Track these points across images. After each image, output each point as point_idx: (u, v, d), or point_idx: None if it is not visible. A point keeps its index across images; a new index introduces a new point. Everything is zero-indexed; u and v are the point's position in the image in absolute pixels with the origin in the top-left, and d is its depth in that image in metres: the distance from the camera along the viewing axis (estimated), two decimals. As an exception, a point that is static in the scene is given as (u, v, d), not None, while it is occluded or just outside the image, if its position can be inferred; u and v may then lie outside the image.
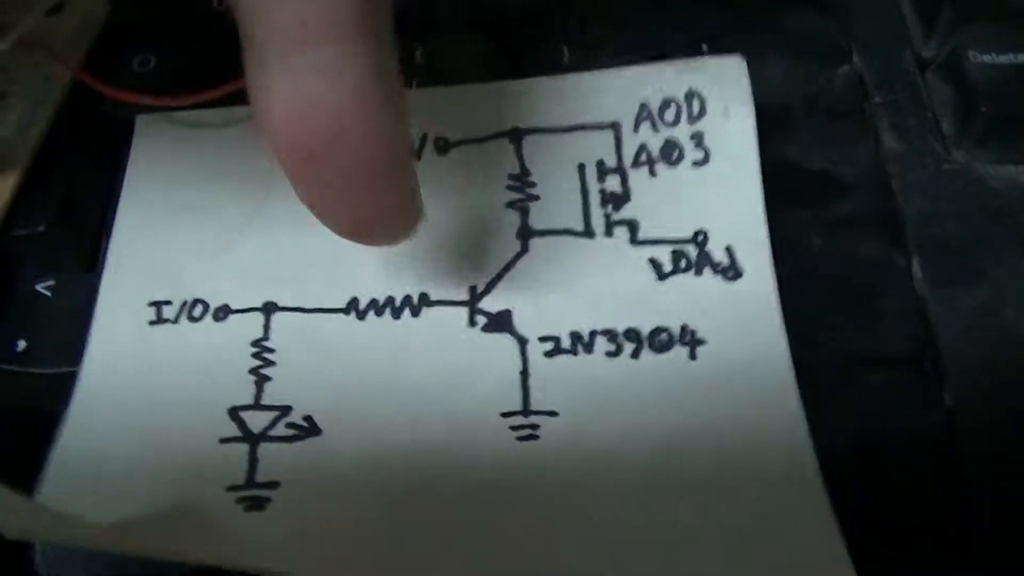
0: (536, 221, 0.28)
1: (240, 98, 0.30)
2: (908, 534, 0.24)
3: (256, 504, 0.24)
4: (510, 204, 0.29)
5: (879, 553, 0.23)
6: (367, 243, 0.24)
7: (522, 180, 0.29)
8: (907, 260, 0.28)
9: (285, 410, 0.26)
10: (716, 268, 0.27)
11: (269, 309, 0.27)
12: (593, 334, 0.27)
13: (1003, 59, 0.30)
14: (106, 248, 0.29)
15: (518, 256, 0.28)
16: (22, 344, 0.27)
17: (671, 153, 0.29)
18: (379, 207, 0.23)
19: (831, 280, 0.28)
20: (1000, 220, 0.28)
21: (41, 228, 0.29)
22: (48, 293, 0.28)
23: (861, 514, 0.24)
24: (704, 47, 0.31)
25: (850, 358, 0.26)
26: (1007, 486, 0.25)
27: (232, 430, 0.26)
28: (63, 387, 0.27)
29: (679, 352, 0.26)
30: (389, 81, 0.21)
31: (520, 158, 0.29)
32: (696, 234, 0.28)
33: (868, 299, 0.27)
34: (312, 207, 0.23)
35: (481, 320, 0.27)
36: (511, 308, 0.27)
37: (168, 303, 0.28)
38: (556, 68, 0.31)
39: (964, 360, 0.26)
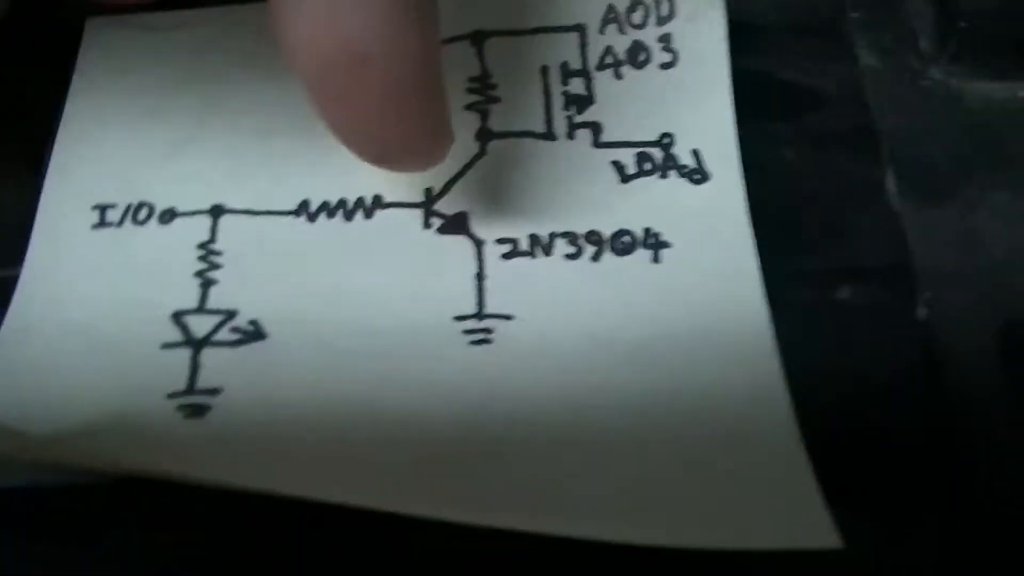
0: (496, 123, 0.27)
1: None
2: (881, 454, 0.24)
3: (196, 411, 0.24)
4: (469, 107, 0.28)
5: (849, 475, 0.23)
6: (394, 169, 0.24)
7: (482, 83, 0.28)
8: (881, 175, 0.27)
9: (230, 314, 0.25)
10: (682, 171, 0.26)
11: (217, 212, 0.27)
12: (552, 236, 0.26)
13: (982, -26, 0.30)
14: (50, 152, 0.28)
15: (476, 158, 0.27)
16: (-39, 250, 0.27)
17: (637, 55, 0.28)
18: (409, 130, 0.22)
19: (803, 193, 0.27)
20: (975, 136, 0.28)
21: (-15, 132, 0.28)
22: (-10, 200, 0.28)
23: (830, 433, 0.23)
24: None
25: (821, 270, 0.26)
26: (982, 399, 0.24)
27: (175, 335, 0.25)
28: (3, 291, 0.26)
29: (642, 255, 0.25)
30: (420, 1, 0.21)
31: (481, 60, 0.28)
32: (662, 136, 0.27)
33: (841, 212, 0.27)
34: (336, 130, 0.22)
35: (436, 222, 0.26)
36: (468, 210, 0.26)
37: (112, 206, 0.27)
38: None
39: (937, 274, 0.26)
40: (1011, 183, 0.27)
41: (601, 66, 0.28)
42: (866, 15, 0.31)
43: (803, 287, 0.26)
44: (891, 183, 0.27)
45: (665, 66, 0.28)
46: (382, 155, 0.23)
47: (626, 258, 0.25)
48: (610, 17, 0.28)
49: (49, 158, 0.28)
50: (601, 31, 0.28)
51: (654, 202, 0.26)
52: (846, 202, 0.27)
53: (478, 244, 0.26)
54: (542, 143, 0.27)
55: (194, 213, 0.27)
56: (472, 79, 0.28)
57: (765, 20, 0.30)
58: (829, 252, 0.26)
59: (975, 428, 0.24)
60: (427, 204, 0.26)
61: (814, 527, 0.20)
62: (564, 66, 0.28)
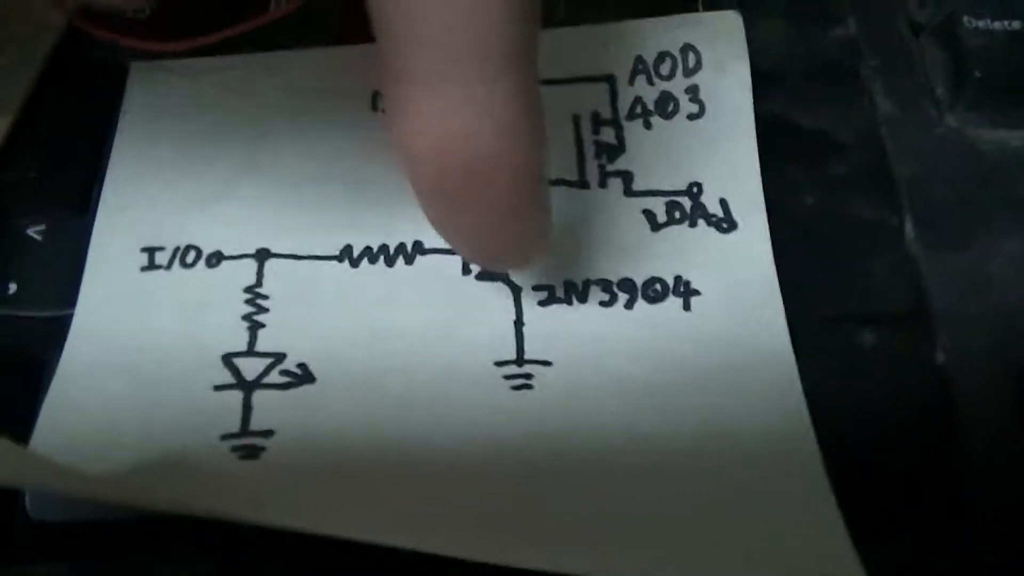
0: None
1: (231, 45, 0.30)
2: (900, 493, 0.24)
3: (251, 452, 0.24)
4: None
5: (871, 512, 0.23)
6: (493, 269, 0.25)
7: None
8: (899, 221, 0.28)
9: (279, 357, 0.26)
10: (710, 220, 0.27)
11: (262, 255, 0.27)
12: (587, 284, 0.27)
13: (996, 25, 0.31)
14: (98, 194, 0.29)
15: None
16: (13, 287, 0.27)
17: (666, 106, 0.29)
18: (514, 240, 0.23)
19: (823, 238, 0.28)
20: (990, 183, 0.29)
21: (32, 174, 0.29)
22: (39, 237, 0.28)
23: (852, 472, 0.24)
24: (699, 5, 0.32)
25: (842, 316, 0.27)
26: (999, 442, 0.25)
27: (226, 377, 0.26)
28: (53, 330, 0.27)
29: (673, 302, 0.26)
30: (537, 116, 0.21)
31: None
32: (691, 186, 0.28)
33: (860, 258, 0.27)
34: (444, 234, 0.23)
35: (475, 268, 0.27)
36: None
37: (161, 249, 0.28)
38: (552, 20, 0.31)
39: (954, 319, 0.27)
40: None
41: (631, 116, 0.29)
42: (883, 63, 0.31)
43: (824, 332, 0.26)
44: (909, 229, 0.28)
45: (692, 117, 0.29)
46: (486, 259, 0.24)
47: (658, 306, 0.26)
48: (639, 68, 0.29)
49: (97, 201, 0.29)
50: (631, 82, 0.29)
51: (684, 250, 0.27)
52: (865, 248, 0.28)
53: (516, 291, 0.27)
54: (576, 191, 0.28)
55: (240, 257, 0.27)
56: None
57: (785, 68, 0.31)
58: (849, 298, 0.27)
59: (992, 469, 0.25)
60: None
61: (840, 561, 0.22)
62: (595, 116, 0.29)
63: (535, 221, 0.23)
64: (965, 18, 0.31)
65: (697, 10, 0.31)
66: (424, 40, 0.19)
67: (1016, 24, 0.30)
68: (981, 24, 0.30)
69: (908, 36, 0.32)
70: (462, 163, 0.20)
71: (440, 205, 0.22)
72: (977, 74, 0.29)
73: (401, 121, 0.20)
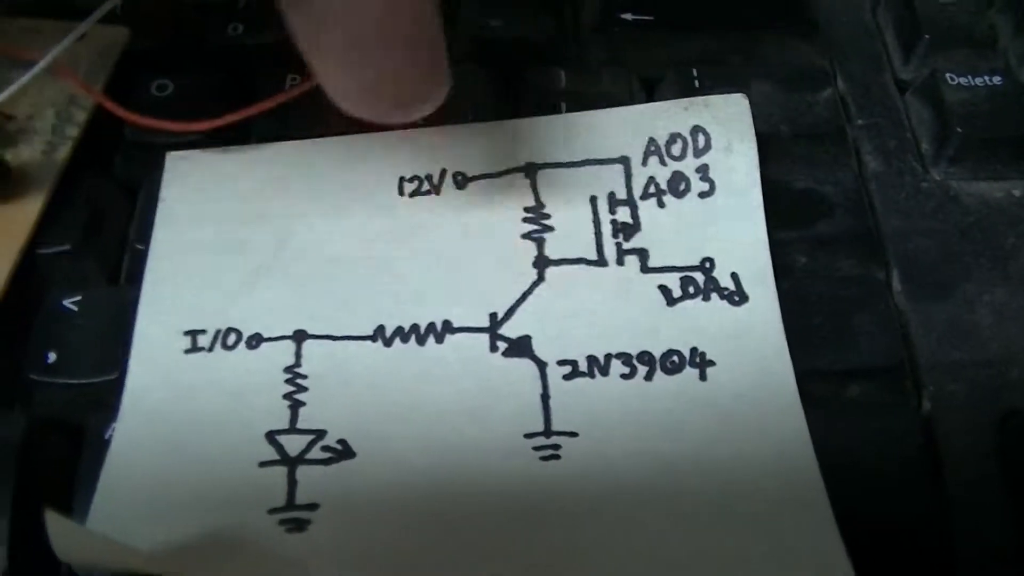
0: (551, 251, 0.30)
1: (249, 124, 0.32)
2: (888, 540, 0.25)
3: (298, 526, 0.25)
4: (526, 235, 0.30)
5: (860, 559, 0.24)
6: (386, 117, 0.25)
7: (537, 212, 0.30)
8: (886, 275, 0.30)
9: (320, 434, 0.27)
10: (723, 294, 0.29)
11: (300, 337, 0.29)
12: (608, 357, 0.28)
13: (978, 81, 0.32)
14: (130, 266, 0.30)
15: (535, 284, 0.29)
16: (52, 356, 0.29)
17: (678, 185, 0.30)
18: (399, 73, 0.23)
19: (815, 296, 0.29)
20: (973, 235, 0.30)
21: (67, 247, 0.30)
22: (75, 308, 0.29)
23: (843, 520, 0.25)
24: (694, 72, 0.33)
25: (832, 370, 0.28)
26: (984, 487, 0.26)
27: (270, 454, 0.27)
28: (92, 396, 0.28)
29: (690, 374, 0.28)
30: None
31: (535, 191, 0.31)
32: (703, 261, 0.29)
33: (849, 312, 0.29)
34: (344, 81, 0.23)
35: (502, 346, 0.28)
36: (530, 334, 0.28)
37: (202, 332, 0.29)
38: (553, 93, 0.33)
39: (939, 368, 0.28)
40: (1007, 279, 0.29)
41: (645, 195, 0.30)
42: (871, 121, 0.33)
43: (816, 385, 0.28)
44: (896, 282, 0.29)
45: (703, 195, 0.30)
46: (375, 95, 0.24)
47: (676, 377, 0.28)
48: (651, 150, 0.31)
49: (128, 273, 0.31)
50: (644, 163, 0.31)
51: (698, 323, 0.28)
52: (853, 302, 0.29)
53: (541, 366, 0.28)
54: (595, 269, 0.29)
55: (279, 338, 0.29)
56: (527, 209, 0.30)
57: (776, 130, 0.32)
58: (839, 352, 0.28)
59: (977, 514, 0.26)
60: (492, 329, 0.29)
61: None
62: (611, 196, 0.30)
63: (429, 58, 0.23)
64: (948, 75, 0.32)
65: (691, 79, 0.33)
66: None
67: (997, 79, 0.32)
68: (963, 80, 0.32)
69: (894, 94, 0.34)
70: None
71: (336, 53, 0.23)
72: (959, 129, 0.31)
73: None
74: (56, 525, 0.22)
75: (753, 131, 0.30)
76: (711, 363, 0.28)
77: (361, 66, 0.23)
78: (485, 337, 0.29)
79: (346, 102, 0.24)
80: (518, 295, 0.29)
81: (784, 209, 0.30)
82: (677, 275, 0.29)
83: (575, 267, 0.29)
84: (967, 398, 0.28)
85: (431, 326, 0.29)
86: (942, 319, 0.29)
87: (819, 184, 0.31)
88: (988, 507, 0.26)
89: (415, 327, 0.29)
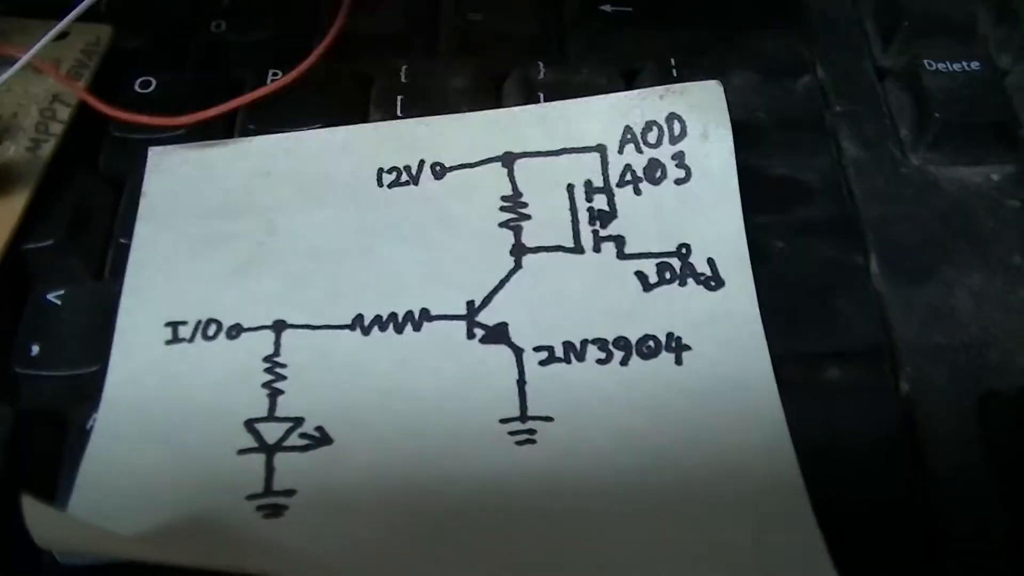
0: (529, 239, 0.30)
1: (232, 117, 0.32)
2: (869, 521, 0.25)
3: (275, 511, 0.26)
4: (503, 224, 0.30)
5: (840, 539, 0.24)
6: None
7: (514, 201, 0.31)
8: (865, 259, 0.30)
9: (298, 421, 0.27)
10: (699, 279, 0.29)
11: (279, 327, 0.29)
12: (584, 343, 0.28)
13: (956, 67, 0.32)
14: (113, 261, 0.31)
15: (512, 272, 0.29)
16: (36, 349, 0.29)
17: (654, 172, 0.31)
18: None
19: (793, 281, 0.29)
20: (952, 220, 0.30)
21: (50, 242, 0.31)
22: (58, 302, 0.30)
23: (823, 501, 0.25)
24: (672, 62, 0.33)
25: (812, 353, 0.28)
26: (963, 467, 0.26)
27: (249, 441, 0.27)
28: (75, 388, 0.28)
29: (665, 358, 0.28)
30: None
31: (512, 180, 0.31)
32: (679, 247, 0.29)
33: (828, 297, 0.29)
34: None
35: (479, 332, 0.29)
36: (507, 321, 0.29)
37: (184, 323, 0.29)
38: (533, 84, 0.33)
39: (919, 351, 0.28)
40: (985, 262, 0.30)
41: (621, 183, 0.31)
42: (850, 108, 0.33)
43: (795, 369, 0.28)
44: (875, 267, 0.30)
45: (680, 181, 0.30)
46: None
47: (652, 362, 0.28)
48: (627, 137, 0.31)
49: (112, 267, 0.31)
50: (620, 150, 0.31)
51: (675, 308, 0.29)
52: (833, 286, 0.29)
53: (518, 352, 0.28)
54: (572, 256, 0.30)
55: (259, 328, 0.29)
56: (504, 198, 0.31)
57: (755, 118, 0.32)
58: (819, 335, 0.28)
59: (957, 494, 0.26)
60: (470, 316, 0.29)
61: None
62: (588, 184, 0.31)
63: None
64: (927, 61, 0.32)
65: (670, 69, 0.33)
66: None
67: (975, 65, 0.32)
68: (942, 66, 0.32)
69: (874, 81, 0.34)
70: None
71: None
72: (938, 115, 0.31)
73: None
74: (33, 511, 0.23)
75: (728, 118, 0.31)
76: (687, 348, 0.28)
77: None
78: (462, 324, 0.29)
79: None
80: (495, 283, 0.29)
81: (762, 195, 0.30)
82: (653, 261, 0.29)
83: (552, 254, 0.30)
84: (947, 380, 0.28)
85: (409, 314, 0.29)
86: (921, 303, 0.29)
87: (798, 170, 0.31)
88: (969, 488, 0.26)
89: (393, 315, 0.29)
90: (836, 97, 0.34)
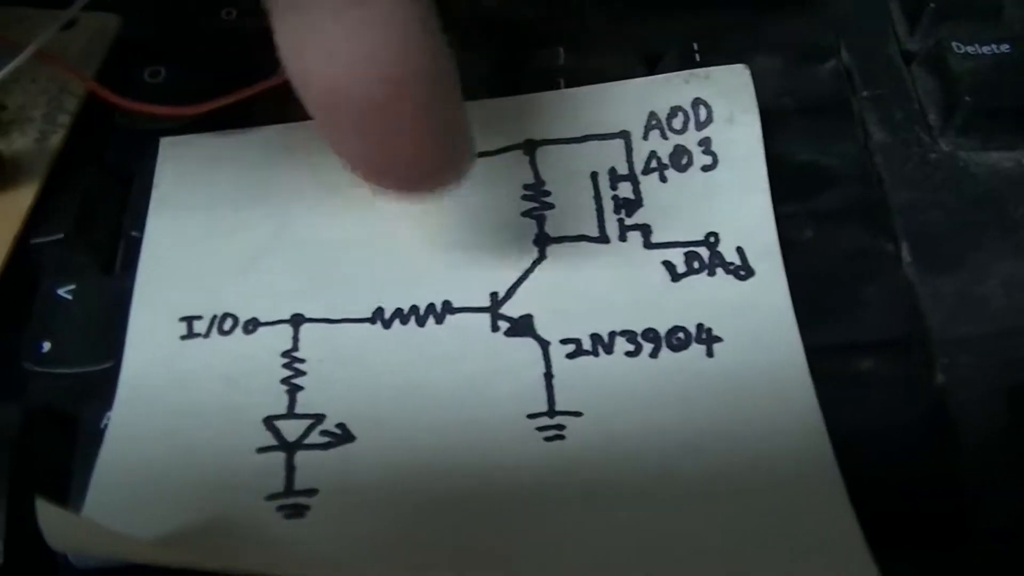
0: (552, 228, 0.29)
1: (244, 106, 0.31)
2: (903, 513, 0.25)
3: (296, 511, 0.25)
4: (526, 213, 0.30)
5: (875, 532, 0.24)
6: (411, 193, 0.25)
7: (537, 190, 0.30)
8: (895, 247, 0.29)
9: (319, 418, 0.27)
10: (728, 268, 0.28)
11: (297, 321, 0.28)
12: (612, 335, 0.28)
13: (985, 50, 0.32)
14: (124, 255, 0.30)
15: (536, 262, 0.29)
16: (47, 346, 0.28)
17: (680, 159, 0.30)
18: (426, 160, 0.23)
19: (822, 270, 0.28)
20: (982, 206, 0.30)
21: (60, 236, 0.30)
22: (69, 297, 0.29)
23: (857, 493, 0.24)
24: (695, 46, 0.33)
25: (843, 343, 0.27)
26: (997, 458, 0.26)
27: (268, 439, 0.26)
28: (87, 385, 0.28)
29: (696, 350, 0.27)
30: (422, 31, 0.21)
31: (534, 168, 0.30)
32: (707, 236, 0.29)
33: (859, 286, 0.28)
34: (352, 163, 0.23)
35: (503, 325, 0.28)
36: (532, 313, 0.28)
37: (198, 318, 0.28)
38: (552, 70, 0.33)
39: (952, 341, 0.27)
40: (1018, 250, 0.29)
41: (647, 170, 0.30)
42: (877, 93, 0.32)
43: (827, 359, 0.27)
44: (905, 254, 0.29)
45: (706, 168, 0.30)
46: (407, 184, 0.24)
47: (682, 354, 0.27)
48: (652, 124, 0.30)
49: (123, 261, 0.30)
50: (645, 137, 0.30)
51: (704, 299, 0.28)
52: (863, 275, 0.28)
53: (544, 345, 0.28)
54: (597, 246, 0.29)
55: (276, 323, 0.28)
56: (527, 186, 0.30)
57: (780, 104, 0.32)
58: (850, 325, 0.28)
59: (991, 486, 0.25)
60: (493, 308, 0.28)
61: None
62: (612, 171, 0.30)
63: (446, 139, 0.23)
64: (954, 44, 0.32)
65: (692, 53, 0.32)
66: None
67: (1004, 47, 0.32)
68: (970, 49, 0.32)
69: (899, 65, 0.33)
70: (352, 93, 0.20)
71: (341, 134, 0.22)
72: (967, 98, 0.30)
73: (292, 43, 0.21)
74: (47, 513, 0.22)
75: (755, 102, 0.30)
76: (718, 339, 0.27)
77: (368, 149, 0.23)
78: (486, 317, 0.28)
79: (360, 175, 0.24)
80: (519, 274, 0.29)
81: (788, 182, 0.30)
82: (681, 250, 0.29)
83: (577, 244, 0.29)
84: (978, 370, 0.27)
85: (431, 307, 0.28)
86: (952, 291, 0.28)
87: (824, 156, 0.31)
88: (1001, 479, 0.26)
89: (414, 308, 0.28)
90: (862, 81, 0.33)
